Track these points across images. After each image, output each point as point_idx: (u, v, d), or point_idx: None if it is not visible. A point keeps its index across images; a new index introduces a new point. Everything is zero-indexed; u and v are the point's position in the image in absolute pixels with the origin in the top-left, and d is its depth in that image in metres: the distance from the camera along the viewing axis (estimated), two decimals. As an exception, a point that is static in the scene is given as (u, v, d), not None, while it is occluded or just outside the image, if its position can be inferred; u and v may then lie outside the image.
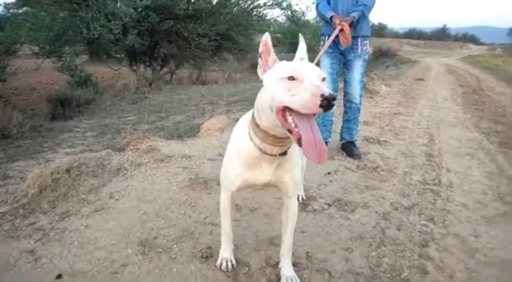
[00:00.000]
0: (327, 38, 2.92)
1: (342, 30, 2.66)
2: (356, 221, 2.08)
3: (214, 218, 1.92)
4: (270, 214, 2.05)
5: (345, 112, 3.13)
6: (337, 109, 3.42)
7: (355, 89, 2.98)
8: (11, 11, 11.62)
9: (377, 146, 3.46)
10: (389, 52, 14.86)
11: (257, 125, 1.24)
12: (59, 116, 6.53)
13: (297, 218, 1.53)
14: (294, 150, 1.35)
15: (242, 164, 1.35)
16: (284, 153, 1.28)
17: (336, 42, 2.83)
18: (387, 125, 4.25)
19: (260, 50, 1.22)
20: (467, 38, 79.36)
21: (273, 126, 1.17)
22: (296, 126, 1.06)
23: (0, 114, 4.28)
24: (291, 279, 1.51)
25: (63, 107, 6.98)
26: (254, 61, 13.03)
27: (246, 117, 1.38)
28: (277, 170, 1.34)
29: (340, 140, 3.21)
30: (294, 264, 1.64)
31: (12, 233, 1.75)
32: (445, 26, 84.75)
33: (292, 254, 1.71)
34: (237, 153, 1.36)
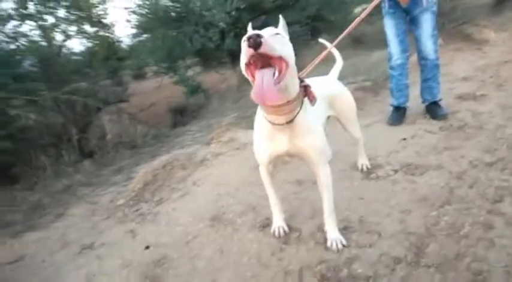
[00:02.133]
0: (386, 0, 2.80)
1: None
2: (423, 183, 2.01)
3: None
4: (330, 185, 2.12)
5: (422, 71, 2.93)
6: (412, 71, 3.23)
7: (427, 45, 2.77)
8: (135, 39, 13.62)
9: (471, 102, 3.13)
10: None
11: None
12: (179, 123, 7.49)
13: (330, 185, 1.60)
14: (306, 119, 1.44)
15: (264, 139, 1.51)
16: (291, 121, 1.39)
17: (396, 1, 2.70)
18: (491, 76, 3.74)
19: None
20: None
21: None
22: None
23: (127, 129, 5.22)
24: (335, 241, 1.60)
25: (181, 115, 8.00)
26: (355, 34, 12.53)
27: None
28: (292, 139, 1.46)
29: (423, 102, 3.01)
30: (345, 228, 1.72)
31: (122, 218, 2.25)
32: None
33: (345, 219, 1.80)
34: (259, 131, 1.53)
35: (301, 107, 1.41)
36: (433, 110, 2.92)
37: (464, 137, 2.48)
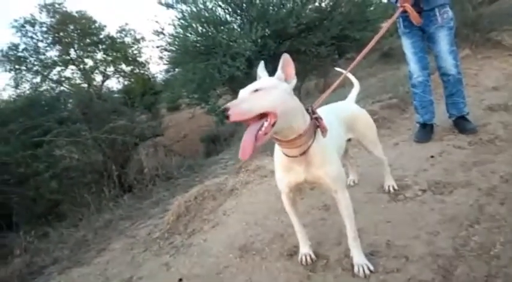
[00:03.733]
0: (401, 19, 2.84)
1: (406, 11, 2.58)
2: (451, 202, 1.97)
3: (303, 219, 2.13)
4: (357, 208, 2.11)
5: (445, 87, 2.91)
6: (438, 87, 3.20)
7: (447, 61, 2.76)
8: (168, 74, 14.30)
9: (502, 113, 3.04)
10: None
11: None
12: (212, 151, 7.69)
13: (351, 210, 1.63)
14: (320, 149, 1.50)
15: (282, 170, 1.60)
16: (304, 153, 1.46)
17: (410, 21, 2.73)
18: (523, 84, 3.63)
19: None
20: None
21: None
22: None
23: (163, 161, 5.45)
24: (362, 266, 1.61)
25: (214, 144, 8.22)
26: (383, 50, 12.45)
27: None
28: (308, 168, 1.52)
29: (449, 117, 2.97)
30: (372, 253, 1.72)
31: (157, 251, 2.35)
32: None
33: (372, 243, 1.80)
34: (277, 162, 1.60)
35: (314, 138, 1.48)
36: (461, 124, 2.87)
37: (495, 151, 2.42)
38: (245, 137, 1.27)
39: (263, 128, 1.27)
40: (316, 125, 1.49)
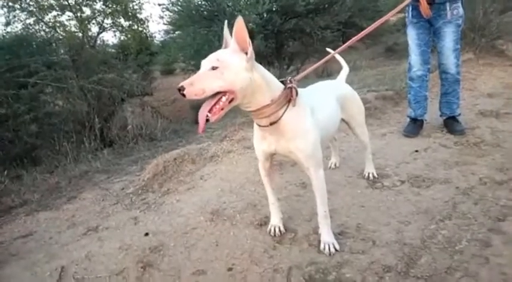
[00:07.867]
0: (410, 8, 2.78)
1: (417, 0, 2.51)
2: (427, 196, 1.98)
3: (278, 193, 2.11)
4: (334, 190, 2.12)
5: (442, 85, 2.88)
6: (435, 85, 3.18)
7: (449, 58, 2.72)
8: (166, 36, 13.88)
9: (492, 119, 3.04)
10: None
11: None
12: (200, 120, 7.58)
13: (323, 189, 1.60)
14: (295, 121, 1.44)
15: (257, 138, 1.59)
16: (274, 123, 1.42)
17: (419, 12, 2.67)
18: (518, 95, 3.63)
19: None
20: None
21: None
22: None
23: (148, 122, 5.35)
24: (328, 244, 1.61)
25: (203, 113, 8.10)
26: (388, 44, 12.33)
27: None
28: (280, 140, 1.48)
29: (441, 115, 2.95)
30: (341, 233, 1.73)
31: (128, 206, 2.32)
32: None
33: (343, 224, 1.80)
34: (255, 130, 1.58)
35: (286, 109, 1.42)
36: (450, 124, 2.86)
37: (479, 154, 2.42)
38: (200, 112, 1.27)
39: (220, 103, 1.26)
40: (290, 95, 1.43)
